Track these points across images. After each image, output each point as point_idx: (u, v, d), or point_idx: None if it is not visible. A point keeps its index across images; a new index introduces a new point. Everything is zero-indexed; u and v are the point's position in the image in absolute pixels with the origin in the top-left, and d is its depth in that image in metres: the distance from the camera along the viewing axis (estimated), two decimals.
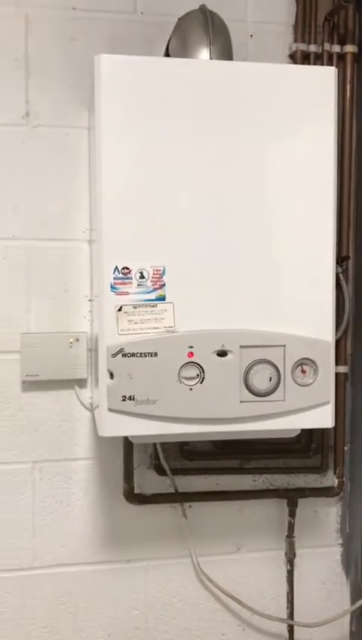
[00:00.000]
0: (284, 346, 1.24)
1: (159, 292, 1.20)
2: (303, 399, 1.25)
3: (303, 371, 1.25)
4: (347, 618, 1.65)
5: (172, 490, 1.54)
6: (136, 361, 1.19)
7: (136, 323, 1.19)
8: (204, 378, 1.21)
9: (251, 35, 1.53)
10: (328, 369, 1.25)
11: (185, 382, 1.20)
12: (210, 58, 1.29)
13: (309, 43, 1.53)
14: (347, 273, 1.57)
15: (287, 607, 1.61)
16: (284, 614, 1.61)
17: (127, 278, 1.19)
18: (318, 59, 1.53)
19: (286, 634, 1.61)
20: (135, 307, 1.19)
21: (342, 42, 1.54)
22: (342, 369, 1.55)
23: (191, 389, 1.20)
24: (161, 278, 1.20)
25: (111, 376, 1.19)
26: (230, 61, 1.32)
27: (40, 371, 1.46)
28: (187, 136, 1.20)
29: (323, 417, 1.27)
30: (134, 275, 1.19)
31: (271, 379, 1.23)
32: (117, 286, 1.19)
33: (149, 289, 1.20)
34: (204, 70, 1.23)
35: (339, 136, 1.50)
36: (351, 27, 1.54)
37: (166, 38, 1.40)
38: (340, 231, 1.53)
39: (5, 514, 1.48)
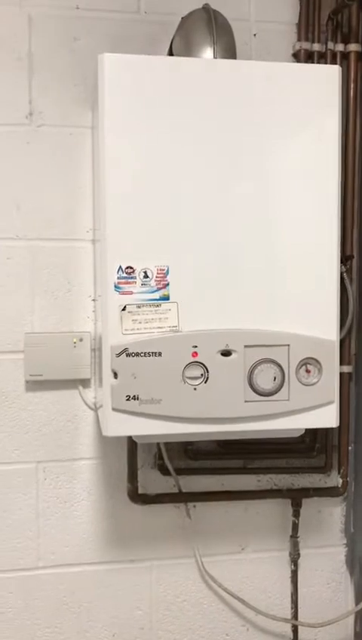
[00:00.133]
0: (289, 345, 1.23)
1: (163, 292, 1.20)
2: (307, 399, 1.25)
3: (307, 371, 1.25)
4: (351, 618, 1.64)
5: (176, 490, 1.54)
6: (140, 360, 1.19)
7: (140, 322, 1.19)
8: (208, 378, 1.20)
9: (254, 34, 1.53)
10: (332, 368, 1.25)
11: (190, 381, 1.20)
12: (214, 57, 1.29)
13: (313, 42, 1.52)
14: (351, 272, 1.56)
15: (291, 608, 1.60)
16: (288, 614, 1.61)
17: (131, 278, 1.19)
18: (322, 58, 1.53)
19: (290, 634, 1.61)
20: (139, 307, 1.19)
21: (346, 41, 1.53)
22: (346, 369, 1.54)
23: (195, 389, 1.20)
24: (165, 277, 1.20)
25: (116, 375, 1.19)
26: (234, 60, 1.32)
27: (44, 371, 1.46)
28: (191, 136, 1.20)
29: (327, 417, 1.27)
30: (138, 274, 1.19)
31: (275, 378, 1.23)
32: (121, 285, 1.19)
33: (153, 288, 1.20)
34: (207, 69, 1.23)
35: (343, 135, 1.49)
36: (355, 26, 1.53)
37: (169, 38, 1.40)
38: (344, 230, 1.52)
39: (9, 514, 1.48)
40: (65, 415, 1.49)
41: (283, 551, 1.60)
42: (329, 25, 1.52)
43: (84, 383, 1.49)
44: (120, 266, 1.19)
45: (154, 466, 1.53)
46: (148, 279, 1.19)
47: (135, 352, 1.19)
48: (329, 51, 1.52)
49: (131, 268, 1.19)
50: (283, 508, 1.59)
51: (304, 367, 1.24)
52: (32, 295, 1.47)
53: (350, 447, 1.59)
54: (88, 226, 1.47)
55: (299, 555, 1.59)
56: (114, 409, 1.19)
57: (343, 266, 1.51)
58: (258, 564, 1.60)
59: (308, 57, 1.53)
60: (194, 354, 1.20)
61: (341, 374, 1.32)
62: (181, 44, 1.33)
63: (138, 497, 1.51)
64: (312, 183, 1.24)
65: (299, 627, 1.60)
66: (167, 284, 1.20)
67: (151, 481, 1.53)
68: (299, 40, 1.53)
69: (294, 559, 1.59)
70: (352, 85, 1.53)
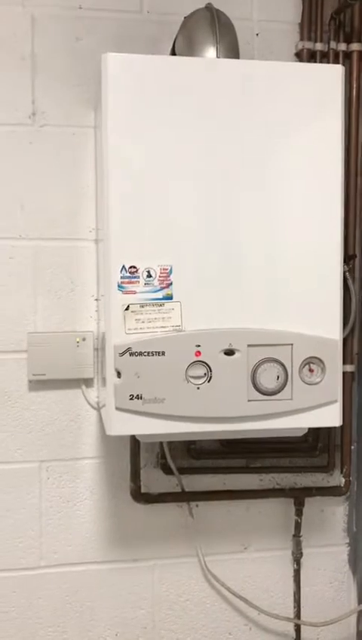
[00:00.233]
0: (292, 344, 1.23)
1: (166, 291, 1.20)
2: (311, 398, 1.25)
3: (311, 370, 1.25)
4: (354, 617, 1.64)
5: (179, 490, 1.54)
6: (144, 360, 1.19)
7: (143, 322, 1.19)
8: (211, 377, 1.21)
9: (257, 34, 1.53)
10: (335, 368, 1.25)
11: (193, 381, 1.20)
12: (217, 56, 1.29)
13: (315, 41, 1.52)
14: (353, 272, 1.56)
15: (294, 607, 1.61)
16: (291, 613, 1.61)
17: (134, 277, 1.19)
18: (324, 57, 1.53)
19: (293, 633, 1.61)
20: (142, 306, 1.19)
21: (348, 40, 1.53)
22: (349, 368, 1.54)
23: (198, 388, 1.20)
24: (168, 277, 1.20)
25: (119, 375, 1.19)
26: (237, 59, 1.32)
27: (47, 371, 1.46)
28: (194, 135, 1.20)
29: (330, 416, 1.27)
30: (141, 274, 1.19)
31: (278, 377, 1.23)
32: (124, 285, 1.19)
33: (156, 288, 1.20)
34: (210, 69, 1.23)
35: (346, 134, 1.49)
36: (358, 25, 1.53)
37: (172, 37, 1.41)
38: (347, 229, 1.52)
39: (12, 513, 1.48)
40: (68, 414, 1.49)
41: (286, 550, 1.60)
42: (332, 24, 1.53)
43: (87, 382, 1.49)
44: (123, 266, 1.19)
45: (157, 466, 1.53)
46: (151, 279, 1.19)
47: (138, 351, 1.19)
48: (332, 51, 1.52)
49: (134, 267, 1.19)
50: (286, 507, 1.59)
51: (307, 366, 1.24)
52: (34, 295, 1.47)
53: (352, 447, 1.59)
54: (91, 225, 1.47)
55: (301, 554, 1.59)
56: (117, 408, 1.19)
57: (346, 266, 1.51)
58: (260, 564, 1.60)
59: (311, 57, 1.53)
60: (198, 353, 1.20)
61: (343, 373, 1.32)
62: (184, 44, 1.33)
63: (141, 496, 1.51)
64: (315, 182, 1.24)
65: (302, 626, 1.60)
66: (170, 284, 1.20)
67: (154, 480, 1.53)
68: (301, 39, 1.53)
69: (297, 558, 1.59)
70: (355, 84, 1.53)
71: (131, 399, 1.19)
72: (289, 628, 1.61)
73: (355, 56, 1.53)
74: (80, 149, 1.47)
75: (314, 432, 1.57)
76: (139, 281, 1.19)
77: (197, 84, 1.21)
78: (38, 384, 1.48)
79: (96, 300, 1.48)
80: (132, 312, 1.19)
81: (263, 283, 1.23)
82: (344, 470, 1.58)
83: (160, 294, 1.20)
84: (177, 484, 1.54)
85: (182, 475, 1.52)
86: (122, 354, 1.18)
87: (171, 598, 1.56)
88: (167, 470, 1.52)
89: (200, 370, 1.20)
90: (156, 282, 1.19)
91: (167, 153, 1.20)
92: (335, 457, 1.59)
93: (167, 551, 1.55)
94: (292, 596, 1.61)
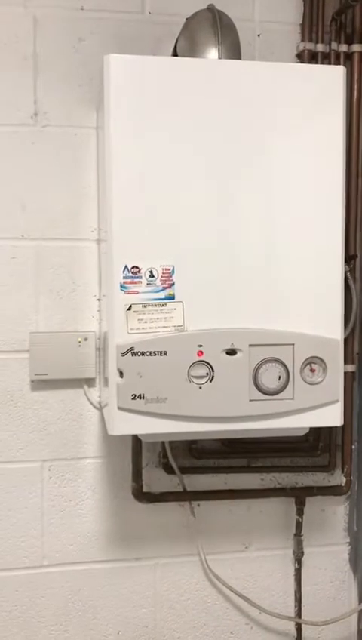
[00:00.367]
0: (293, 344, 1.24)
1: (168, 291, 1.20)
2: (312, 398, 1.25)
3: (312, 370, 1.25)
4: (355, 616, 1.65)
5: (180, 489, 1.54)
6: (146, 359, 1.19)
7: (145, 322, 1.20)
8: (213, 377, 1.21)
9: (258, 35, 1.53)
10: (337, 367, 1.26)
11: (195, 380, 1.21)
12: (219, 57, 1.29)
13: (316, 42, 1.53)
14: (354, 272, 1.57)
15: (295, 606, 1.61)
16: (292, 612, 1.61)
17: (137, 277, 1.20)
18: (325, 58, 1.53)
19: (294, 632, 1.62)
20: (144, 306, 1.20)
21: (350, 41, 1.54)
22: (350, 368, 1.55)
23: (200, 388, 1.21)
24: (171, 277, 1.20)
25: (121, 374, 1.19)
26: (238, 60, 1.33)
27: (49, 370, 1.46)
28: (196, 136, 1.21)
29: (332, 416, 1.27)
30: (144, 274, 1.20)
31: (280, 377, 1.23)
32: (126, 285, 1.20)
33: (159, 288, 1.20)
34: (212, 69, 1.23)
35: (347, 135, 1.49)
36: (359, 26, 1.53)
37: (174, 38, 1.41)
38: (348, 230, 1.52)
39: (14, 512, 1.49)
40: (70, 414, 1.50)
41: (287, 549, 1.61)
42: (333, 25, 1.53)
43: (89, 382, 1.49)
44: (126, 266, 1.19)
45: (159, 465, 1.54)
46: (153, 279, 1.20)
47: (140, 351, 1.19)
48: (333, 52, 1.53)
49: (137, 267, 1.19)
50: (287, 506, 1.60)
51: (308, 366, 1.25)
52: (36, 294, 1.47)
53: (353, 446, 1.60)
54: (93, 225, 1.48)
55: (302, 553, 1.60)
56: (120, 408, 1.20)
57: (347, 266, 1.51)
58: (261, 563, 1.60)
59: (312, 58, 1.53)
60: (200, 353, 1.21)
61: (344, 373, 1.32)
62: (186, 45, 1.34)
63: (142, 496, 1.52)
64: (316, 183, 1.25)
65: (303, 625, 1.61)
66: (173, 284, 1.20)
67: (156, 479, 1.54)
68: (302, 40, 1.54)
69: (298, 558, 1.60)
70: (356, 85, 1.53)
71: (133, 399, 1.19)
72: (291, 627, 1.62)
73: (356, 58, 1.53)
74: (82, 149, 1.48)
75: (315, 432, 1.58)
76: (141, 281, 1.20)
77: (199, 85, 1.21)
78: (40, 384, 1.48)
79: (98, 299, 1.48)
80: (134, 312, 1.19)
81: (265, 283, 1.24)
82: (345, 470, 1.59)
83: (162, 294, 1.20)
84: (179, 484, 1.54)
85: (183, 474, 1.53)
86: (124, 354, 1.19)
87: (173, 597, 1.57)
88: (169, 469, 1.52)
89: (202, 370, 1.21)
90: (158, 282, 1.20)
91: (169, 153, 1.20)
92: (336, 457, 1.60)
93: (168, 550, 1.56)
94: (294, 595, 1.61)
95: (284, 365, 1.23)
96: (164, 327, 1.20)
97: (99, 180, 1.42)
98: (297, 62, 1.54)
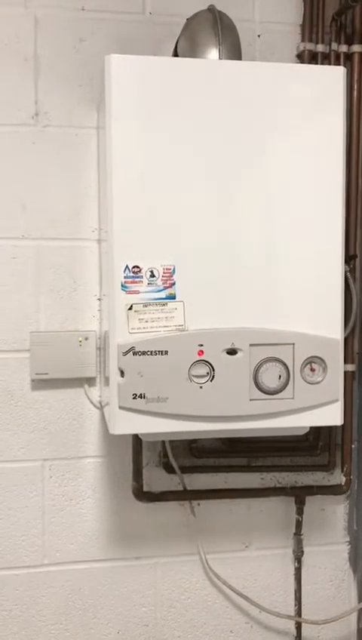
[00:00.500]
0: (293, 344, 1.24)
1: (169, 291, 1.21)
2: (312, 397, 1.26)
3: (312, 369, 1.26)
4: (354, 615, 1.65)
5: (180, 488, 1.55)
6: (147, 359, 1.20)
7: (146, 321, 1.20)
8: (213, 376, 1.21)
9: (259, 35, 1.54)
10: (337, 367, 1.26)
11: (196, 380, 1.21)
12: (219, 58, 1.29)
13: (317, 43, 1.53)
14: (354, 272, 1.57)
15: (295, 605, 1.61)
16: (292, 611, 1.62)
17: (138, 277, 1.20)
18: (326, 59, 1.54)
19: (293, 631, 1.62)
20: (145, 306, 1.20)
21: (350, 42, 1.54)
22: (350, 367, 1.55)
23: (201, 387, 1.21)
24: (171, 276, 1.21)
25: (122, 374, 1.20)
26: (239, 61, 1.33)
27: (49, 370, 1.47)
28: (196, 135, 1.21)
29: (332, 415, 1.28)
30: (145, 273, 1.20)
31: (280, 377, 1.24)
32: (127, 285, 1.20)
33: (160, 288, 1.20)
34: (213, 70, 1.23)
35: (347, 135, 1.50)
36: (359, 27, 1.54)
37: (174, 39, 1.41)
38: (347, 230, 1.53)
39: (15, 512, 1.49)
40: (70, 413, 1.50)
41: (287, 548, 1.61)
42: (333, 26, 1.53)
43: (90, 381, 1.50)
44: (127, 266, 1.20)
45: (159, 464, 1.54)
46: (154, 278, 1.20)
47: (141, 350, 1.19)
48: (333, 52, 1.53)
49: (138, 267, 1.20)
50: (287, 506, 1.60)
51: (309, 365, 1.25)
52: (37, 294, 1.48)
53: (353, 446, 1.60)
54: (93, 225, 1.48)
55: (302, 552, 1.60)
56: (121, 407, 1.20)
57: (347, 266, 1.52)
58: (261, 562, 1.61)
59: (312, 58, 1.53)
60: (200, 352, 1.21)
61: (344, 373, 1.33)
62: (186, 45, 1.34)
63: (143, 495, 1.52)
64: (317, 183, 1.25)
65: (303, 624, 1.61)
66: (174, 284, 1.21)
67: (156, 479, 1.54)
68: (302, 41, 1.54)
69: (298, 557, 1.60)
70: (356, 86, 1.54)
71: (134, 398, 1.20)
72: (290, 626, 1.62)
73: (356, 58, 1.54)
74: (82, 149, 1.48)
75: (315, 431, 1.58)
76: (142, 281, 1.20)
77: (199, 86, 1.21)
78: (41, 383, 1.48)
79: (99, 299, 1.49)
80: (135, 311, 1.20)
81: (265, 283, 1.24)
82: (344, 469, 1.59)
83: (163, 294, 1.21)
84: (179, 483, 1.55)
85: (183, 473, 1.53)
86: (125, 353, 1.19)
87: (173, 596, 1.57)
88: (169, 469, 1.53)
89: (203, 370, 1.21)
90: (159, 282, 1.20)
91: (170, 153, 1.21)
92: (336, 456, 1.60)
93: (168, 549, 1.56)
94: (293, 594, 1.62)
95: (285, 365, 1.24)
96: (165, 326, 1.21)
97: (99, 179, 1.42)
98: (297, 62, 1.55)
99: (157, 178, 1.20)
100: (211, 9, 1.36)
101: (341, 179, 1.26)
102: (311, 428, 1.47)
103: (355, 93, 1.54)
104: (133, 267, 1.20)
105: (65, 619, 1.53)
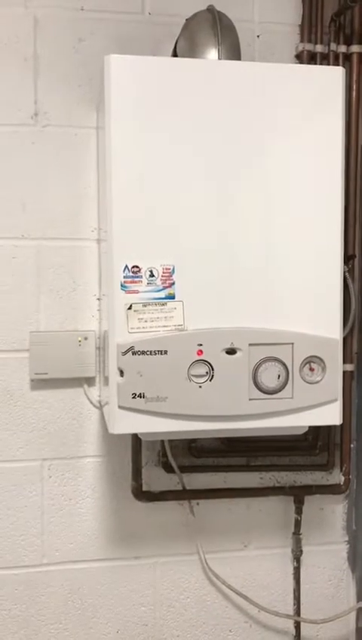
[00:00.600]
0: (292, 344, 1.25)
1: (169, 290, 1.21)
2: (311, 397, 1.26)
3: (311, 369, 1.26)
4: (353, 614, 1.66)
5: (180, 488, 1.55)
6: (146, 359, 1.20)
7: (145, 321, 1.20)
8: (213, 376, 1.22)
9: (258, 36, 1.54)
10: (336, 367, 1.27)
11: (195, 379, 1.21)
12: (218, 58, 1.30)
13: (316, 43, 1.54)
14: (353, 272, 1.57)
15: (294, 604, 1.62)
16: (291, 611, 1.62)
17: (137, 277, 1.20)
18: (324, 59, 1.54)
19: (292, 630, 1.62)
20: (145, 305, 1.20)
21: (348, 42, 1.55)
22: (349, 367, 1.55)
23: (200, 387, 1.21)
24: (171, 276, 1.21)
25: (122, 373, 1.20)
26: (238, 61, 1.33)
27: (49, 370, 1.47)
28: (196, 136, 1.21)
29: (331, 415, 1.28)
30: (144, 273, 1.20)
31: (279, 376, 1.24)
32: (127, 284, 1.20)
33: (159, 287, 1.21)
34: (212, 70, 1.24)
35: (346, 135, 1.50)
36: (358, 27, 1.54)
37: (173, 39, 1.41)
38: (346, 230, 1.53)
39: (14, 511, 1.49)
40: (70, 413, 1.50)
41: (286, 548, 1.62)
42: (332, 26, 1.54)
43: (89, 381, 1.50)
44: (126, 265, 1.20)
45: (158, 464, 1.54)
46: (154, 278, 1.20)
47: (141, 350, 1.20)
48: (332, 52, 1.53)
49: (137, 267, 1.20)
50: (286, 505, 1.61)
51: (308, 365, 1.25)
52: (37, 294, 1.48)
53: (352, 445, 1.61)
54: (93, 225, 1.49)
55: (301, 552, 1.60)
56: (120, 407, 1.20)
57: (345, 266, 1.52)
58: (260, 561, 1.61)
59: (311, 58, 1.54)
60: (200, 352, 1.21)
61: (343, 373, 1.33)
62: (185, 46, 1.34)
63: (142, 495, 1.52)
64: (316, 183, 1.26)
65: (302, 623, 1.61)
66: (173, 283, 1.21)
67: (155, 478, 1.55)
68: (301, 41, 1.54)
69: (296, 556, 1.60)
70: (355, 86, 1.54)
71: (134, 398, 1.20)
72: (289, 625, 1.62)
73: (355, 58, 1.54)
74: (82, 149, 1.48)
75: (314, 431, 1.59)
76: (141, 281, 1.20)
77: (199, 86, 1.22)
78: (40, 383, 1.49)
79: (98, 299, 1.49)
80: (135, 311, 1.20)
81: (264, 283, 1.24)
82: (343, 468, 1.59)
83: (162, 294, 1.21)
84: (178, 483, 1.55)
85: (183, 473, 1.54)
86: (125, 353, 1.20)
87: (172, 595, 1.58)
88: (168, 468, 1.53)
89: (202, 369, 1.21)
90: (159, 282, 1.20)
91: (169, 153, 1.21)
92: (335, 456, 1.60)
93: (167, 549, 1.56)
94: (292, 594, 1.62)
95: (284, 364, 1.24)
96: (164, 326, 1.21)
97: (99, 179, 1.43)
98: (296, 62, 1.55)
99: (157, 178, 1.21)
100: (210, 9, 1.36)
101: (340, 179, 1.26)
102: (310, 427, 1.47)
103: (354, 93, 1.54)
104: (133, 267, 1.20)
105: (65, 618, 1.53)
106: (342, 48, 1.54)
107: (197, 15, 1.36)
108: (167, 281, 1.21)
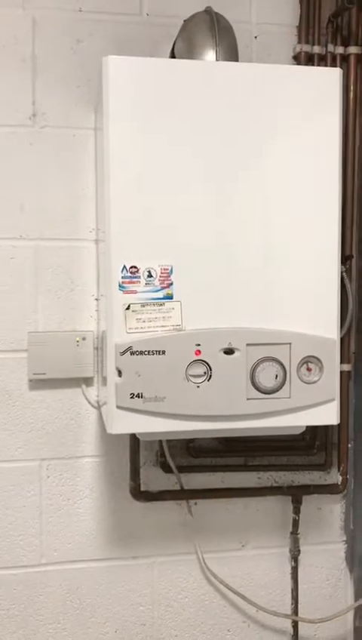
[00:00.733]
0: (290, 343, 1.25)
1: (167, 291, 1.21)
2: (309, 396, 1.26)
3: (309, 369, 1.26)
4: (351, 614, 1.66)
5: (178, 488, 1.55)
6: (144, 359, 1.20)
7: (144, 321, 1.21)
8: (211, 376, 1.22)
9: (255, 37, 1.54)
10: (333, 366, 1.27)
11: (193, 379, 1.22)
12: (216, 59, 1.30)
13: (313, 44, 1.54)
14: (350, 272, 1.58)
15: (292, 603, 1.62)
16: (289, 610, 1.62)
17: (135, 277, 1.20)
18: (322, 60, 1.55)
19: (290, 630, 1.63)
20: (143, 306, 1.21)
21: (346, 43, 1.55)
22: (346, 367, 1.56)
23: (198, 387, 1.22)
24: (169, 276, 1.21)
25: (120, 373, 1.20)
26: (236, 62, 1.34)
27: (47, 370, 1.47)
28: (193, 137, 1.22)
29: (328, 414, 1.28)
30: (142, 273, 1.21)
31: (277, 376, 1.24)
32: (125, 285, 1.20)
33: (157, 288, 1.21)
34: (210, 71, 1.24)
35: (343, 136, 1.51)
36: (355, 28, 1.55)
37: (171, 40, 1.42)
38: (343, 230, 1.53)
39: (13, 511, 1.49)
40: (68, 413, 1.50)
41: (284, 547, 1.62)
42: (330, 27, 1.54)
43: (87, 381, 1.50)
44: (124, 266, 1.20)
45: (156, 464, 1.55)
46: (152, 279, 1.21)
47: (139, 350, 1.20)
48: (329, 54, 1.54)
49: (135, 267, 1.20)
50: (284, 505, 1.61)
51: (305, 365, 1.26)
52: (35, 294, 1.48)
53: (349, 445, 1.61)
54: (91, 225, 1.49)
55: (299, 551, 1.61)
56: (118, 407, 1.20)
57: (342, 266, 1.52)
58: (258, 561, 1.61)
59: (309, 60, 1.54)
60: (198, 352, 1.21)
61: (340, 372, 1.33)
62: (183, 47, 1.35)
63: (140, 494, 1.53)
64: (313, 184, 1.26)
65: (299, 623, 1.62)
66: (171, 284, 1.21)
67: (153, 478, 1.55)
68: (299, 42, 1.55)
69: (294, 556, 1.61)
70: (352, 87, 1.55)
71: (132, 398, 1.20)
72: (287, 624, 1.63)
73: (352, 59, 1.55)
74: (80, 150, 1.48)
75: (312, 431, 1.59)
76: (139, 281, 1.20)
77: (196, 87, 1.22)
78: (39, 383, 1.49)
79: (96, 299, 1.49)
80: (133, 311, 1.20)
81: (262, 283, 1.25)
82: (341, 468, 1.60)
83: (160, 294, 1.21)
84: (176, 482, 1.55)
85: (181, 473, 1.54)
86: (123, 353, 1.20)
87: (170, 595, 1.58)
88: (166, 468, 1.53)
89: (200, 369, 1.22)
90: (157, 282, 1.21)
91: (167, 154, 1.21)
92: (333, 455, 1.61)
93: (166, 548, 1.57)
94: (290, 593, 1.62)
95: (281, 364, 1.24)
96: (163, 326, 1.21)
97: (97, 180, 1.43)
98: (294, 64, 1.55)
99: (155, 179, 1.21)
100: (208, 10, 1.37)
101: (337, 179, 1.27)
102: (307, 427, 1.47)
103: (351, 94, 1.55)
104: (131, 267, 1.20)
105: (63, 618, 1.53)
106: (340, 49, 1.55)
107: (195, 16, 1.37)
108: (165, 282, 1.21)
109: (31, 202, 1.47)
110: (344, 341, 1.55)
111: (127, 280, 1.20)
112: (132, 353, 1.20)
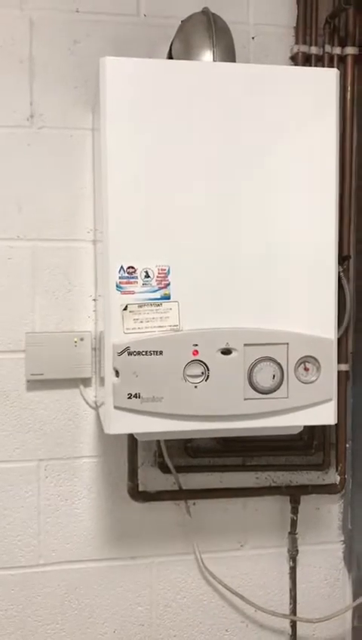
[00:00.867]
0: (287, 344, 1.25)
1: (164, 291, 1.21)
2: (306, 396, 1.26)
3: (306, 369, 1.26)
4: (349, 614, 1.66)
5: (176, 488, 1.55)
6: (142, 359, 1.20)
7: (141, 322, 1.21)
8: (208, 376, 1.22)
9: (253, 37, 1.55)
10: (331, 366, 1.27)
11: (190, 380, 1.22)
12: (213, 60, 1.30)
13: (310, 45, 1.54)
14: (348, 272, 1.58)
15: (290, 603, 1.62)
16: (287, 610, 1.62)
17: (133, 278, 1.21)
18: (319, 61, 1.55)
19: (288, 629, 1.63)
20: (140, 306, 1.21)
21: (343, 44, 1.56)
22: (344, 367, 1.56)
23: (196, 387, 1.22)
24: (166, 277, 1.21)
25: (117, 374, 1.20)
26: (233, 63, 1.34)
27: (45, 370, 1.47)
28: (191, 137, 1.22)
29: (325, 414, 1.28)
30: (139, 274, 1.21)
31: (274, 376, 1.25)
32: (122, 285, 1.21)
33: (154, 288, 1.21)
34: (207, 72, 1.24)
35: (340, 137, 1.51)
36: (352, 29, 1.55)
37: (169, 41, 1.42)
38: (341, 231, 1.54)
39: (11, 512, 1.49)
40: (66, 414, 1.50)
41: (282, 547, 1.62)
42: (327, 28, 1.55)
43: (85, 381, 1.50)
44: (121, 266, 1.20)
45: (155, 464, 1.55)
46: (149, 279, 1.21)
47: (136, 350, 1.20)
48: (327, 54, 1.54)
49: (133, 268, 1.20)
50: (282, 505, 1.61)
51: (302, 365, 1.26)
52: (33, 295, 1.48)
53: (347, 445, 1.61)
54: (89, 226, 1.49)
55: (297, 551, 1.61)
56: (116, 407, 1.20)
57: (340, 266, 1.53)
58: (257, 561, 1.62)
59: (306, 60, 1.55)
60: (195, 352, 1.22)
61: (338, 372, 1.34)
62: (181, 48, 1.35)
63: (138, 495, 1.53)
64: (310, 184, 1.26)
65: (298, 622, 1.62)
66: (168, 284, 1.21)
67: (152, 478, 1.55)
68: (296, 43, 1.55)
69: (292, 556, 1.61)
70: (349, 88, 1.55)
71: (129, 398, 1.20)
72: (286, 624, 1.63)
73: (349, 60, 1.55)
74: (77, 150, 1.49)
75: (310, 431, 1.59)
76: (137, 282, 1.21)
77: (193, 88, 1.22)
78: (36, 384, 1.49)
79: (94, 300, 1.49)
80: (130, 311, 1.20)
81: (259, 283, 1.25)
82: (339, 468, 1.60)
83: (158, 294, 1.21)
84: (174, 483, 1.55)
85: (179, 473, 1.54)
86: (120, 353, 1.20)
87: (168, 595, 1.58)
88: (165, 468, 1.53)
89: (198, 369, 1.22)
90: (154, 282, 1.21)
91: (164, 155, 1.21)
92: (331, 455, 1.61)
93: (164, 548, 1.57)
94: (288, 593, 1.62)
95: (279, 364, 1.25)
96: (160, 326, 1.21)
97: (94, 180, 1.43)
98: (291, 64, 1.56)
99: (152, 179, 1.21)
100: (205, 11, 1.37)
101: (334, 179, 1.27)
102: (305, 427, 1.48)
103: (348, 94, 1.55)
104: (128, 268, 1.20)
105: (61, 619, 1.53)
106: (337, 50, 1.55)
107: (193, 17, 1.37)
108: (163, 282, 1.21)
109: (28, 203, 1.47)
110: (341, 341, 1.56)
111: (125, 280, 1.20)
112: (129, 353, 1.20)
